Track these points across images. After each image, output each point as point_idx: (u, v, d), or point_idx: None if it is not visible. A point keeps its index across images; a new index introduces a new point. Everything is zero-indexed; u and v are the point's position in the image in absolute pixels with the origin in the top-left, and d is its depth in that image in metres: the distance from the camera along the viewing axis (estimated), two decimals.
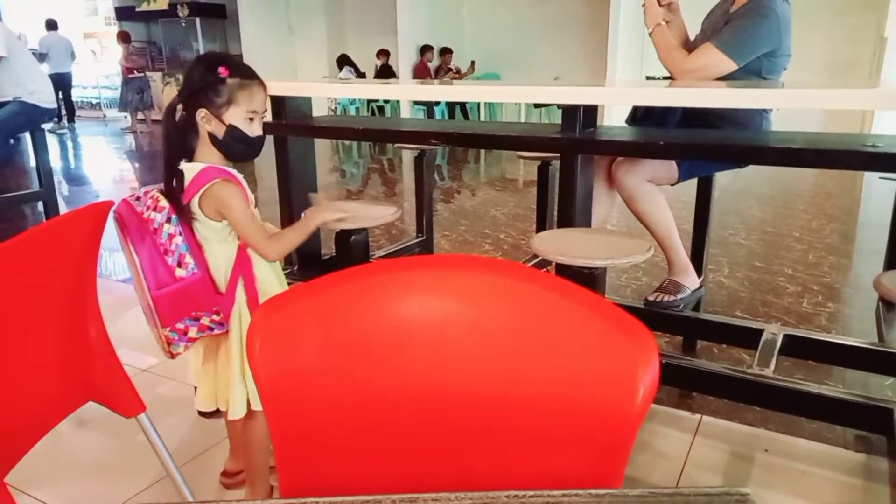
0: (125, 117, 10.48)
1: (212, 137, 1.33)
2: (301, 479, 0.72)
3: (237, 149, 1.34)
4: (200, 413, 1.90)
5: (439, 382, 0.72)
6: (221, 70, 1.29)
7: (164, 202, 1.28)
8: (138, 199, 1.29)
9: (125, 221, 1.26)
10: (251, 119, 1.33)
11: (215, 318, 1.33)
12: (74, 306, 1.14)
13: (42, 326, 1.06)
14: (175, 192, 1.30)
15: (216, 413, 1.70)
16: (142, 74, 10.09)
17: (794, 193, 5.17)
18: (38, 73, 3.97)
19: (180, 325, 1.31)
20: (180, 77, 10.83)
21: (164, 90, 11.12)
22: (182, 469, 1.39)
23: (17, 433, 1.02)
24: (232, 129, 1.32)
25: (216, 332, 1.35)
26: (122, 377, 1.23)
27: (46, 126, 4.26)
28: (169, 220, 1.27)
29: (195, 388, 1.85)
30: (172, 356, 1.34)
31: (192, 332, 1.32)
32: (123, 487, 1.63)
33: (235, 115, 1.31)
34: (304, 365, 0.71)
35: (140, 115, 10.19)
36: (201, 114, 1.31)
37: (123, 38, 9.98)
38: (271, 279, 1.42)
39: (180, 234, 1.27)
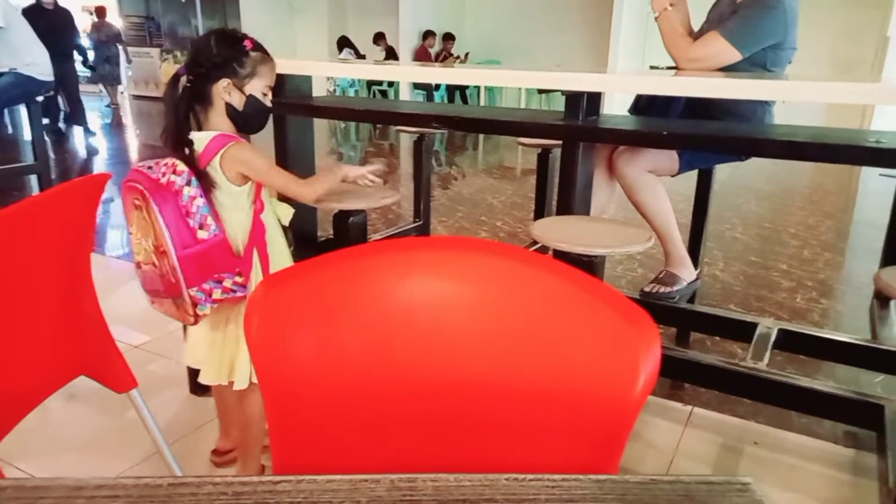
0: (99, 91, 10.34)
1: (230, 108, 1.36)
2: (296, 460, 0.72)
3: (253, 119, 1.40)
4: (192, 391, 1.91)
5: (438, 366, 0.72)
6: (247, 43, 1.36)
7: (182, 166, 1.29)
8: (150, 167, 1.30)
9: (144, 187, 1.25)
10: (265, 94, 1.40)
11: (238, 279, 1.35)
12: (68, 279, 1.13)
13: (35, 298, 1.04)
14: (191, 159, 1.31)
15: (208, 391, 1.70)
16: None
17: (792, 190, 5.18)
18: (36, 44, 3.91)
19: (206, 286, 1.31)
20: (178, 54, 10.80)
21: (162, 66, 11.01)
22: (172, 446, 1.38)
23: (7, 405, 1.01)
24: (252, 100, 1.38)
25: (238, 294, 1.36)
26: (114, 352, 1.22)
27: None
28: (189, 183, 1.28)
29: (188, 368, 1.86)
30: (196, 319, 1.33)
31: (217, 294, 1.33)
32: (113, 463, 1.63)
33: (256, 87, 1.38)
34: (302, 345, 0.70)
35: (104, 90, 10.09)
36: (223, 84, 1.34)
37: (99, 12, 9.88)
38: (283, 249, 1.46)
39: (201, 196, 1.29)
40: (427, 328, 0.73)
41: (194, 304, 1.31)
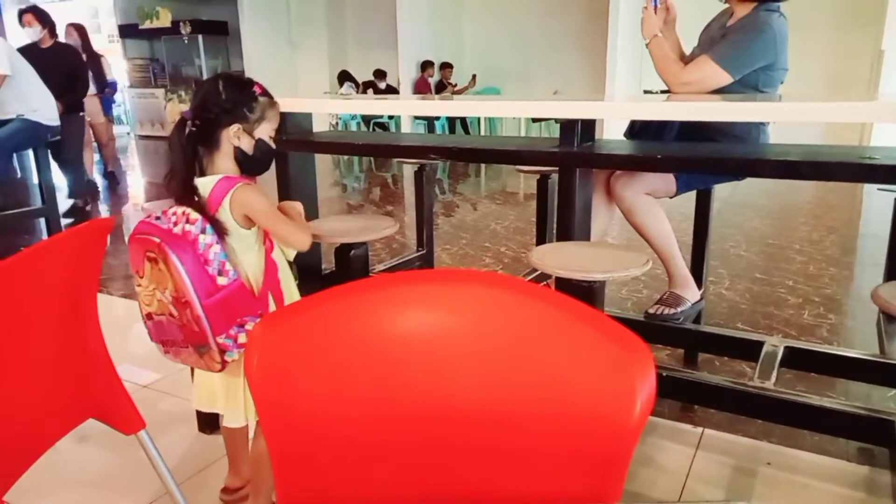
0: None
1: (238, 152, 1.37)
2: (299, 495, 0.72)
3: (261, 162, 1.42)
4: (201, 429, 1.91)
5: (437, 398, 0.73)
6: (256, 88, 1.39)
7: (195, 215, 1.29)
8: (158, 218, 1.30)
9: (161, 240, 1.24)
10: (271, 136, 1.43)
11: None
12: (74, 323, 1.14)
13: (41, 343, 1.06)
14: (201, 206, 1.32)
15: (216, 429, 1.70)
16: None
17: (794, 206, 5.18)
18: (41, 90, 4.00)
19: (232, 332, 1.30)
20: (183, 94, 10.99)
21: (167, 106, 11.18)
22: (182, 486, 1.38)
23: (16, 450, 1.02)
24: (261, 144, 1.40)
25: None
26: (121, 394, 1.23)
27: None
28: (204, 231, 1.28)
29: (197, 411, 1.86)
30: (224, 366, 1.32)
31: (242, 338, 1.32)
32: None
33: (264, 131, 1.40)
34: (302, 379, 0.72)
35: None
36: (234, 129, 1.36)
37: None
38: (292, 286, 1.48)
39: (217, 243, 1.29)
40: (426, 360, 0.74)
41: (222, 352, 1.30)
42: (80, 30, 5.73)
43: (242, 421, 1.43)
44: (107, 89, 6.16)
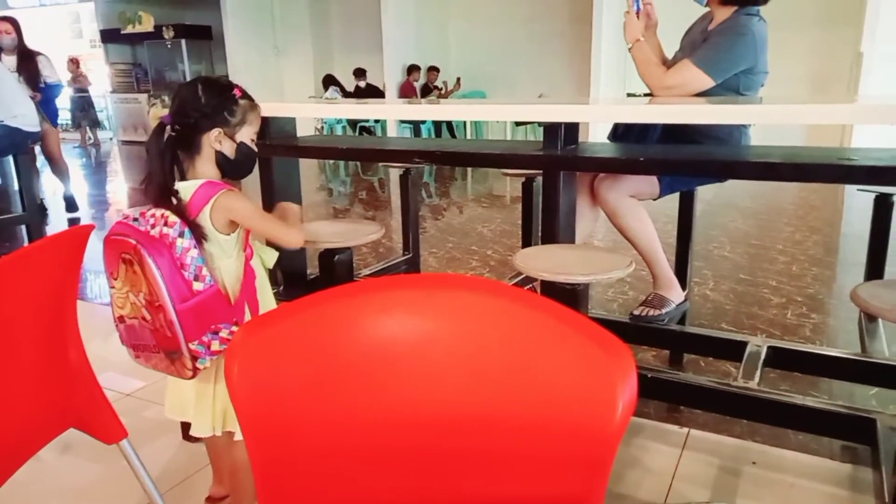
0: (88, 138, 11.21)
1: (220, 156, 1.36)
2: (282, 503, 0.72)
3: (244, 166, 1.40)
4: (185, 438, 1.89)
5: (420, 403, 0.72)
6: (237, 91, 1.37)
7: (173, 218, 1.26)
8: (136, 219, 1.28)
9: (136, 241, 1.22)
10: (253, 139, 1.41)
11: (234, 329, 1.32)
12: (54, 332, 1.13)
13: (21, 353, 1.05)
14: (180, 210, 1.29)
15: (200, 437, 1.68)
16: (86, 93, 10.78)
17: (778, 206, 5.23)
18: (22, 97, 3.95)
19: (205, 339, 1.28)
20: (166, 98, 10.98)
21: (150, 111, 11.12)
22: (166, 495, 1.37)
23: None
24: (243, 147, 1.38)
25: None
26: (102, 403, 1.22)
27: None
28: (182, 235, 1.26)
29: (181, 422, 1.84)
30: (195, 373, 1.30)
31: (215, 346, 1.30)
32: None
33: (245, 135, 1.38)
34: (284, 387, 0.71)
35: (88, 134, 10.96)
36: (214, 133, 1.34)
37: (74, 63, 10.60)
38: (267, 295, 1.46)
39: (195, 248, 1.27)
40: (409, 365, 0.73)
41: (194, 358, 1.28)
42: (8, 24, 4.86)
43: (209, 431, 1.40)
44: (37, 94, 4.84)
